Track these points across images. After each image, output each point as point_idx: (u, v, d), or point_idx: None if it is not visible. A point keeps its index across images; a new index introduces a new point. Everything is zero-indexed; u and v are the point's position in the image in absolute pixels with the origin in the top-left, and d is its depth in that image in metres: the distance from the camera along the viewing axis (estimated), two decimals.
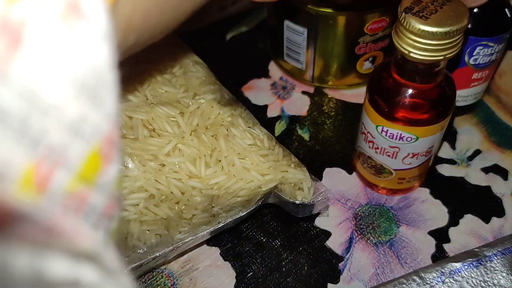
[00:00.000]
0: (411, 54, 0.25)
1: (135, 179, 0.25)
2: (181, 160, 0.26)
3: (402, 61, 0.27)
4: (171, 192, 0.26)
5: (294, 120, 0.40)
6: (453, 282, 0.27)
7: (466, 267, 0.28)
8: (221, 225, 0.30)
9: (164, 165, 0.26)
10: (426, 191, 0.35)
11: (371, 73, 0.31)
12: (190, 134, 0.27)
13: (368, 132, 0.31)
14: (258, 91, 0.42)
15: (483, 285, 0.27)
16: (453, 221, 0.34)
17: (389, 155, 0.31)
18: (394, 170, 0.32)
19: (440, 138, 0.31)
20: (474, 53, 0.33)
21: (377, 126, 0.30)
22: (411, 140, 0.29)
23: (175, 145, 0.27)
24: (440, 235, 0.33)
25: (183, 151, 0.27)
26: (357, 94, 0.41)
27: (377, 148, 0.31)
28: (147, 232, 0.27)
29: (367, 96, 0.30)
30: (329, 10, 0.35)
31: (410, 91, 0.28)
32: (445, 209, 0.34)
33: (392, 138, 0.29)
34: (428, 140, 0.29)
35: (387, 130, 0.29)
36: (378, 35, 0.38)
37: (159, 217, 0.26)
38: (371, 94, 0.29)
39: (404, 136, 0.29)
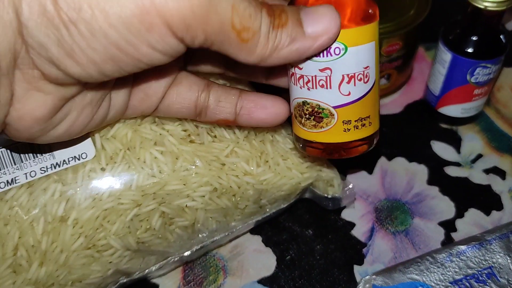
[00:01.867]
0: None
1: (202, 175, 0.32)
2: (237, 161, 0.33)
3: None
4: (230, 186, 0.32)
5: None
6: (460, 261, 0.33)
7: (470, 249, 0.34)
8: (266, 215, 0.36)
9: (224, 164, 0.32)
10: (435, 189, 0.41)
11: None
12: (243, 140, 0.33)
13: (295, 67, 0.27)
14: None
15: (484, 263, 0.33)
16: (459, 213, 0.40)
17: (322, 85, 0.27)
18: (334, 107, 0.27)
19: (374, 61, 0.27)
20: (475, 73, 0.40)
21: None
22: (339, 52, 0.26)
23: (232, 148, 0.33)
24: (448, 226, 0.39)
25: (239, 153, 0.33)
26: None
27: (308, 81, 0.27)
28: (210, 219, 0.33)
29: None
30: None
31: None
32: (452, 204, 0.40)
33: (319, 55, 0.26)
34: (359, 52, 0.26)
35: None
36: (393, 56, 0.44)
37: (219, 207, 0.33)
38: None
39: (330, 47, 0.25)
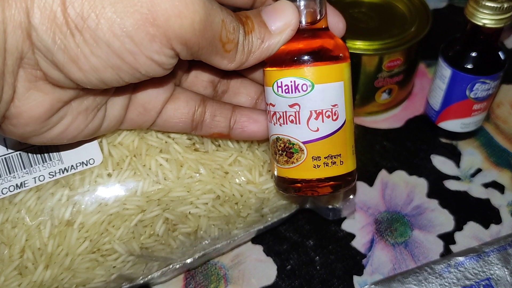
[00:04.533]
0: None
1: (206, 183, 0.32)
2: (240, 169, 0.33)
3: None
4: (233, 194, 0.33)
5: None
6: (458, 272, 0.34)
7: (468, 260, 0.34)
8: (268, 224, 0.37)
9: (228, 172, 0.33)
10: (435, 202, 0.42)
11: None
12: (247, 149, 0.34)
13: (269, 104, 0.29)
14: None
15: (482, 275, 0.34)
16: (458, 226, 0.40)
17: (292, 120, 0.28)
18: (303, 143, 0.28)
19: (344, 100, 0.28)
20: (474, 89, 0.41)
21: (273, 85, 0.28)
22: (306, 89, 0.27)
23: (236, 157, 0.34)
24: (447, 238, 0.39)
25: (242, 162, 0.34)
26: (375, 121, 0.48)
27: (280, 117, 0.28)
28: (212, 226, 0.34)
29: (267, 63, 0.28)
30: (354, 52, 0.43)
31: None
32: (451, 217, 0.41)
33: (288, 91, 0.27)
34: (326, 90, 0.27)
35: (281, 81, 0.27)
36: (394, 71, 0.45)
37: (222, 214, 0.33)
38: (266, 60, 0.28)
39: (298, 84, 0.27)
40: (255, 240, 0.40)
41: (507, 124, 0.48)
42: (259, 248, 0.40)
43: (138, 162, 0.31)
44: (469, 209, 0.41)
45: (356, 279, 0.37)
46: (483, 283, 0.33)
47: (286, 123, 0.28)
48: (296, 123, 0.28)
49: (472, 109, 0.43)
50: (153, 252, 0.32)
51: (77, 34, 0.21)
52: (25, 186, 0.30)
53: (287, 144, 0.29)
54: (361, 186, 0.43)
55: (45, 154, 0.30)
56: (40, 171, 0.30)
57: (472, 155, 0.45)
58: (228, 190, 0.33)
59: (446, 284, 0.33)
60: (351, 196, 0.37)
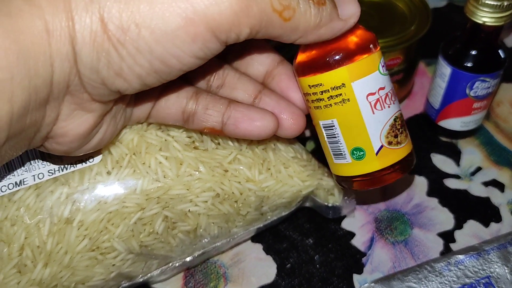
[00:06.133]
0: None
1: (205, 181, 0.32)
2: (240, 167, 0.33)
3: None
4: (232, 192, 0.33)
5: None
6: (458, 270, 0.34)
7: (468, 258, 0.34)
8: (267, 222, 0.37)
9: (227, 170, 0.33)
10: (435, 200, 0.42)
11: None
12: (246, 147, 0.34)
13: (377, 91, 0.27)
14: None
15: (482, 273, 0.33)
16: (458, 225, 0.40)
17: (395, 93, 0.29)
18: (399, 110, 0.29)
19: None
20: (474, 87, 0.41)
21: (378, 68, 0.27)
22: (397, 61, 0.29)
23: (235, 155, 0.33)
24: (447, 236, 0.39)
25: (241, 160, 0.34)
26: None
27: (391, 94, 0.28)
28: (212, 224, 0.34)
29: (354, 55, 0.26)
30: None
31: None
32: (451, 215, 0.41)
33: (384, 65, 0.28)
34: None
35: (382, 61, 0.28)
36: (394, 70, 0.45)
37: (222, 212, 0.33)
38: (357, 44, 0.27)
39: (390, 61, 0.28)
40: (254, 238, 0.40)
41: (507, 122, 0.48)
42: (258, 247, 0.39)
43: (137, 160, 0.31)
44: (469, 208, 0.41)
45: (356, 277, 0.37)
46: (483, 281, 0.33)
47: (395, 98, 0.28)
48: (395, 94, 0.28)
49: (472, 108, 0.43)
50: (153, 250, 0.32)
51: (120, 47, 0.21)
52: (24, 184, 0.29)
53: (401, 118, 0.29)
54: None
55: (45, 152, 0.30)
56: (39, 169, 0.30)
57: (472, 154, 0.45)
58: (228, 188, 0.33)
59: (446, 282, 0.33)
60: (350, 195, 0.37)
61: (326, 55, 0.26)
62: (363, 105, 0.27)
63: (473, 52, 0.40)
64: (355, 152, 0.28)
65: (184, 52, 0.22)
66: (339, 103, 0.27)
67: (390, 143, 0.28)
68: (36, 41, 0.20)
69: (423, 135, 0.47)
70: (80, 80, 0.22)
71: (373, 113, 0.27)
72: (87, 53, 0.21)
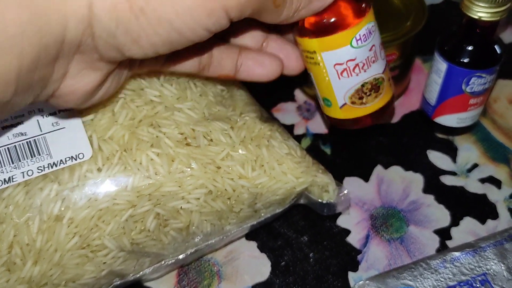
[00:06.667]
0: None
1: (197, 177, 0.32)
2: (233, 164, 0.33)
3: None
4: (225, 189, 0.33)
5: (317, 137, 0.46)
6: (453, 267, 0.33)
7: (464, 255, 0.34)
8: (261, 219, 0.36)
9: (220, 167, 0.33)
10: (431, 197, 0.41)
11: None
12: (239, 144, 0.34)
13: (346, 62, 0.31)
14: (285, 113, 0.49)
15: (478, 270, 0.33)
16: (455, 222, 0.40)
17: (373, 60, 0.32)
18: (383, 72, 0.33)
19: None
20: (470, 83, 0.40)
21: (351, 42, 0.30)
22: (375, 28, 0.31)
23: (228, 152, 0.33)
24: (443, 234, 0.39)
25: (234, 157, 0.33)
26: None
27: (363, 64, 0.31)
28: (205, 221, 0.33)
29: (326, 32, 0.30)
30: None
31: None
32: (447, 212, 0.40)
33: (366, 38, 0.31)
34: (376, 23, 0.32)
35: (359, 34, 0.30)
36: (389, 66, 0.45)
37: (214, 210, 0.33)
38: (330, 23, 0.30)
39: (370, 28, 0.31)
40: (249, 236, 0.39)
41: (504, 119, 0.47)
42: (253, 244, 0.39)
43: (128, 156, 0.31)
44: (465, 205, 0.41)
45: (351, 275, 0.37)
46: (479, 278, 0.33)
47: (370, 66, 0.32)
48: (376, 61, 0.32)
49: (468, 104, 0.42)
50: (144, 248, 0.32)
51: (141, 16, 0.22)
52: (13, 181, 0.29)
53: (373, 83, 0.33)
54: (356, 181, 0.43)
55: (34, 149, 0.30)
56: (28, 165, 0.29)
57: (469, 150, 0.45)
58: (220, 185, 0.32)
59: (442, 279, 0.33)
60: (345, 191, 0.37)
61: (305, 24, 0.31)
62: (330, 71, 0.32)
63: (469, 48, 0.39)
64: (325, 101, 0.35)
65: (199, 25, 0.23)
66: (312, 64, 0.32)
67: (353, 103, 0.33)
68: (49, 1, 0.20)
69: (419, 131, 0.46)
70: (94, 42, 0.22)
71: (339, 79, 0.32)
72: (105, 18, 0.22)
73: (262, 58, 0.33)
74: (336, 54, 0.31)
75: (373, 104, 0.34)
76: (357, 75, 0.32)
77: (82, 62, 0.24)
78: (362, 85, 0.32)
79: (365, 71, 0.32)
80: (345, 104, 0.33)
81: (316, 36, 0.31)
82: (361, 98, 0.33)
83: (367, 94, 0.33)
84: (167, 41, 0.23)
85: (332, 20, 0.30)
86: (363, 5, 0.31)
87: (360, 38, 0.31)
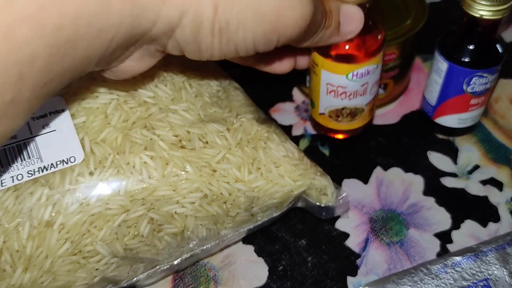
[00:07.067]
0: None
1: (192, 181, 0.31)
2: (229, 167, 0.32)
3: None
4: (221, 193, 0.32)
5: (315, 138, 0.46)
6: (454, 272, 0.33)
7: (465, 260, 0.33)
8: (258, 223, 0.35)
9: (216, 170, 0.32)
10: (431, 200, 0.41)
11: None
12: (236, 146, 0.33)
13: (338, 86, 0.37)
14: (283, 113, 0.48)
15: (479, 275, 0.32)
16: (455, 225, 0.39)
17: (361, 94, 0.37)
18: (366, 105, 0.39)
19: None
20: (471, 83, 0.39)
21: (347, 75, 0.36)
22: (374, 71, 0.36)
23: (224, 155, 0.32)
24: (444, 237, 0.38)
25: (230, 160, 0.32)
26: None
27: (350, 94, 0.37)
28: (200, 226, 0.32)
29: (331, 58, 0.36)
30: None
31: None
32: (448, 215, 0.40)
33: (362, 76, 0.36)
34: (380, 65, 0.37)
35: (357, 72, 0.35)
36: (389, 66, 0.44)
37: (210, 214, 0.32)
38: (337, 54, 0.36)
39: (370, 70, 0.35)
40: (246, 240, 0.39)
41: (505, 119, 0.46)
42: (250, 248, 0.38)
43: (121, 160, 0.30)
44: (466, 207, 0.40)
45: (350, 280, 0.36)
46: (481, 283, 0.32)
47: (355, 97, 0.37)
48: (363, 95, 0.38)
49: (469, 104, 0.41)
50: (138, 253, 0.31)
51: (217, 35, 0.25)
52: (2, 186, 0.28)
53: (353, 110, 0.39)
54: (355, 183, 0.42)
55: (24, 152, 0.29)
56: (18, 169, 0.29)
57: (470, 151, 0.44)
58: (216, 188, 0.32)
59: (443, 285, 0.32)
60: (344, 194, 0.36)
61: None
62: (322, 85, 0.38)
63: (470, 47, 0.38)
64: (311, 102, 0.41)
65: (255, 50, 0.27)
66: (313, 71, 0.38)
67: (330, 116, 0.40)
68: (150, 1, 0.22)
69: (419, 132, 0.46)
70: (166, 41, 0.25)
71: (326, 94, 0.38)
72: (188, 30, 0.24)
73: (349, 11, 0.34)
74: (331, 76, 0.36)
75: (346, 125, 0.40)
76: (342, 99, 0.37)
77: (147, 50, 0.26)
78: (342, 108, 0.38)
79: (349, 99, 0.37)
80: (323, 113, 0.40)
81: (322, 56, 0.36)
82: (337, 116, 0.39)
83: (344, 116, 0.39)
84: (225, 55, 0.27)
85: (340, 53, 0.35)
86: (375, 49, 0.35)
87: (356, 75, 0.36)
